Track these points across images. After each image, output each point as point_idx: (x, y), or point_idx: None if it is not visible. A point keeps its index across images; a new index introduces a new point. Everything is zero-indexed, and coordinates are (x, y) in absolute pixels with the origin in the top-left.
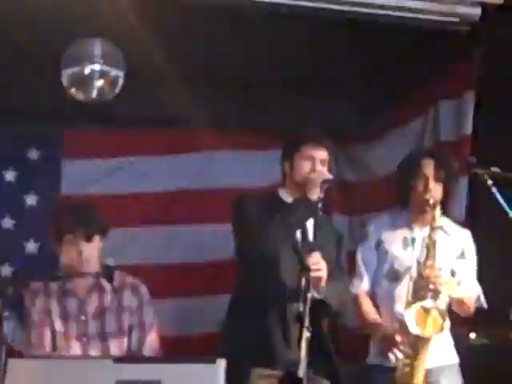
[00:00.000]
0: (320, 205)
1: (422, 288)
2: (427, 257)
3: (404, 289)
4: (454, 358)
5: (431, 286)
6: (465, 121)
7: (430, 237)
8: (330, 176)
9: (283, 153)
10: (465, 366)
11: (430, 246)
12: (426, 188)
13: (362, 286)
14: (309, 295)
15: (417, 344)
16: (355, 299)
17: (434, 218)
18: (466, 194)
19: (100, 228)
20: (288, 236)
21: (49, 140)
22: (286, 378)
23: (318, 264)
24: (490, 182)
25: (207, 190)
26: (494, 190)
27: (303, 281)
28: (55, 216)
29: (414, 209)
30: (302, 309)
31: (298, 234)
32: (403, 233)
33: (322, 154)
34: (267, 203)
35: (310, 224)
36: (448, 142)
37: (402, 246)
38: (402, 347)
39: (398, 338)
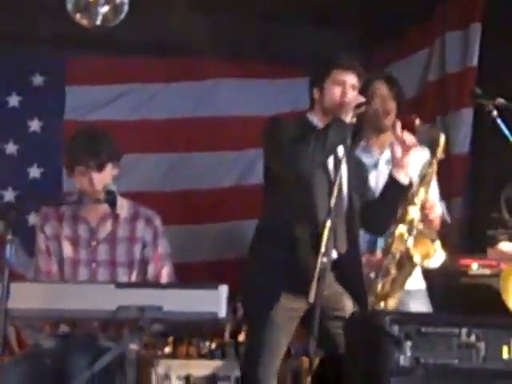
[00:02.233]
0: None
1: (412, 213)
2: (421, 183)
3: None
4: (421, 284)
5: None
6: (471, 52)
7: (429, 163)
8: (363, 99)
9: (313, 78)
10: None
11: (426, 174)
12: (385, 107)
13: None
14: (328, 219)
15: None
16: None
17: (436, 148)
18: (470, 124)
19: (111, 156)
20: (319, 161)
21: (53, 66)
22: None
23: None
24: (494, 112)
25: (212, 117)
26: (499, 120)
27: (331, 205)
28: (67, 145)
29: (370, 132)
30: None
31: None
32: (364, 158)
33: (352, 78)
34: (299, 127)
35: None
36: (454, 73)
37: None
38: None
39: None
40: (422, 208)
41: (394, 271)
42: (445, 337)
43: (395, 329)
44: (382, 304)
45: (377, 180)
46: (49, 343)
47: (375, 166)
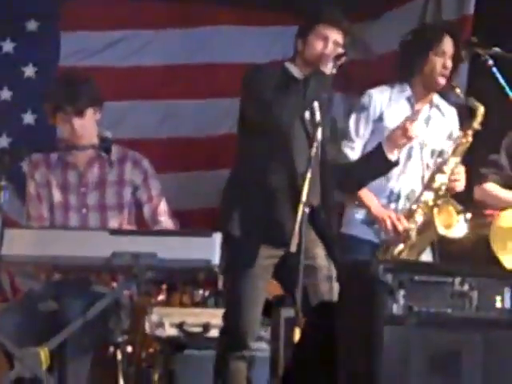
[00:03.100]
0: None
1: (440, 181)
2: (454, 153)
3: (398, 168)
4: None
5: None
6: (467, 0)
7: (464, 134)
8: (342, 50)
9: (298, 30)
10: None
11: (461, 144)
12: (445, 66)
13: (353, 155)
14: (309, 172)
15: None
16: None
17: (473, 119)
18: (466, 74)
19: (90, 101)
20: (300, 111)
21: (48, 11)
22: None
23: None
24: (490, 62)
25: (207, 64)
26: (495, 70)
27: (310, 158)
28: (47, 92)
29: (420, 85)
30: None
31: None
32: (405, 111)
33: (336, 35)
34: (279, 76)
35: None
36: (449, 21)
37: None
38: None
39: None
40: (451, 178)
41: (414, 237)
42: (438, 285)
43: (388, 277)
44: None
45: None
46: (43, 290)
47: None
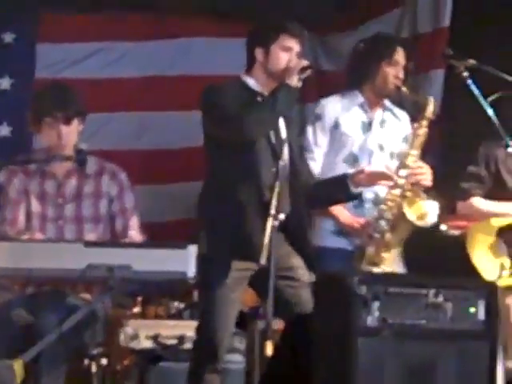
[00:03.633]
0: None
1: (404, 176)
2: (412, 146)
3: None
4: None
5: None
6: (443, 12)
7: (419, 125)
8: (307, 62)
9: (256, 38)
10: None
11: (417, 136)
12: (397, 76)
13: (315, 166)
14: (277, 183)
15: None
16: None
17: (425, 110)
18: (441, 85)
19: (79, 111)
20: (272, 125)
21: (24, 23)
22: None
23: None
24: (465, 73)
25: (183, 76)
26: (470, 81)
27: (275, 170)
28: (34, 98)
29: (371, 92)
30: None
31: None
32: (360, 117)
33: (298, 46)
34: (239, 91)
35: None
36: (425, 33)
37: (361, 130)
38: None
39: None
40: (413, 173)
41: (388, 235)
42: (412, 297)
43: (363, 289)
44: (375, 269)
45: (370, 141)
46: (17, 302)
47: (369, 126)
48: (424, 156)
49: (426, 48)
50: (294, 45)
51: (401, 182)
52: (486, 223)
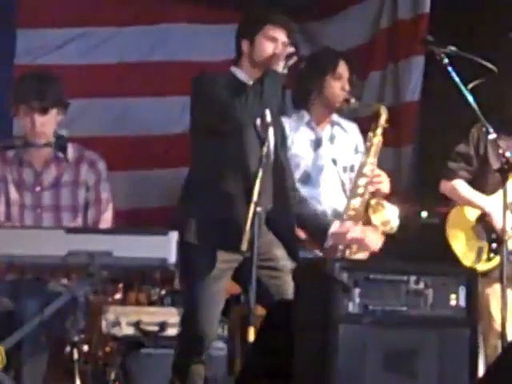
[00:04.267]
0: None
1: (363, 185)
2: (368, 155)
3: (317, 189)
4: None
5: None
6: None
7: (374, 134)
8: (293, 49)
9: (242, 30)
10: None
11: (372, 145)
12: (344, 89)
13: None
14: (260, 170)
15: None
16: None
17: (379, 118)
18: (421, 73)
19: (56, 101)
20: (259, 111)
21: (3, 8)
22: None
23: None
24: (446, 60)
25: (163, 62)
26: (450, 68)
27: (261, 158)
28: (14, 85)
29: (320, 108)
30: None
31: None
32: (308, 135)
33: (284, 35)
34: (229, 81)
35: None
36: (405, 19)
37: (311, 148)
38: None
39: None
40: (371, 181)
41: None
42: (393, 284)
43: (344, 276)
44: None
45: (322, 157)
46: None
47: (319, 143)
48: (403, 145)
49: (406, 34)
50: (280, 35)
51: (360, 191)
52: (466, 208)
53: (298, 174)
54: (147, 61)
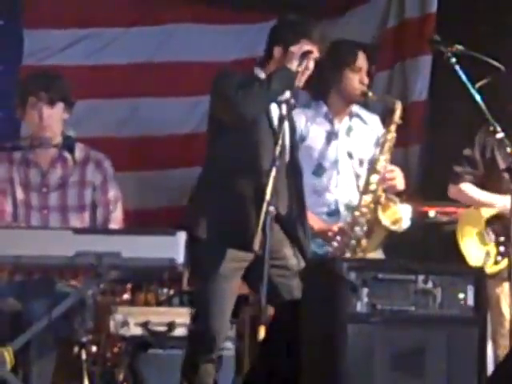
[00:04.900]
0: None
1: (375, 182)
2: (381, 151)
3: (330, 181)
4: None
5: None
6: None
7: (387, 130)
8: (309, 48)
9: (277, 37)
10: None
11: (386, 141)
12: (362, 81)
13: None
14: (273, 170)
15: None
16: None
17: (393, 114)
18: (428, 72)
19: (63, 96)
20: (264, 102)
21: (10, 9)
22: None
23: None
24: (453, 59)
25: (170, 62)
26: (457, 67)
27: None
28: (21, 81)
29: (338, 100)
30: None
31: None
32: (324, 127)
33: (317, 52)
34: (247, 80)
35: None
36: (413, 18)
37: (325, 140)
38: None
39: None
40: (384, 178)
41: (364, 241)
42: (401, 283)
43: (352, 275)
44: None
45: (337, 150)
46: (5, 290)
47: (336, 135)
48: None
49: (414, 34)
50: (314, 51)
51: (373, 187)
52: (475, 211)
53: (311, 166)
54: (154, 61)
